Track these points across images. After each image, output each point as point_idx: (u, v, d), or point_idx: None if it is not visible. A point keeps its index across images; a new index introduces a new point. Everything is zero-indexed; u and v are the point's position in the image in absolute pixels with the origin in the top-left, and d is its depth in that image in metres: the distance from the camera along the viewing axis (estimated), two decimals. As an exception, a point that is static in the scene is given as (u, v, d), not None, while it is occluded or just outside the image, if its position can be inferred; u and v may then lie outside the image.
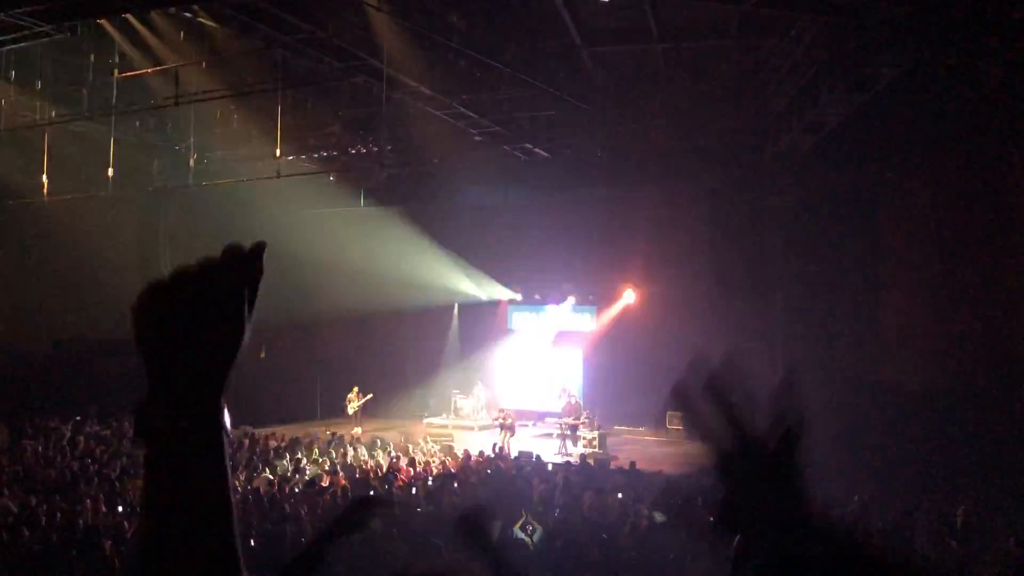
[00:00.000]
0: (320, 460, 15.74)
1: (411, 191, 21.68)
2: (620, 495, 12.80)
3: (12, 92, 17.10)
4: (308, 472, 14.43)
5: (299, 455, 16.03)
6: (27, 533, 9.56)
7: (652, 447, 19.60)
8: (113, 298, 22.29)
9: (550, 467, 15.50)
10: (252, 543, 9.13)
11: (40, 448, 15.75)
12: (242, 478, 13.56)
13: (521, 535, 10.28)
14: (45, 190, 17.48)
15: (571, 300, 23.30)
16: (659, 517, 10.37)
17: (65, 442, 16.43)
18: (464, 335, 23.68)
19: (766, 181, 18.65)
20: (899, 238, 18.88)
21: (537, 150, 19.05)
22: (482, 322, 23.75)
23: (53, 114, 17.29)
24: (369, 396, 22.18)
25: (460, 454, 16.25)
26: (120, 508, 11.20)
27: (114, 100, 15.83)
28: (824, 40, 13.61)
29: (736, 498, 1.00)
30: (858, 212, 18.66)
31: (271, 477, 13.74)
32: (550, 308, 23.76)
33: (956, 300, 17.62)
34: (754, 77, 16.21)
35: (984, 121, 15.85)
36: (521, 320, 24.33)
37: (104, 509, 10.97)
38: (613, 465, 16.76)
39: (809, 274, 19.03)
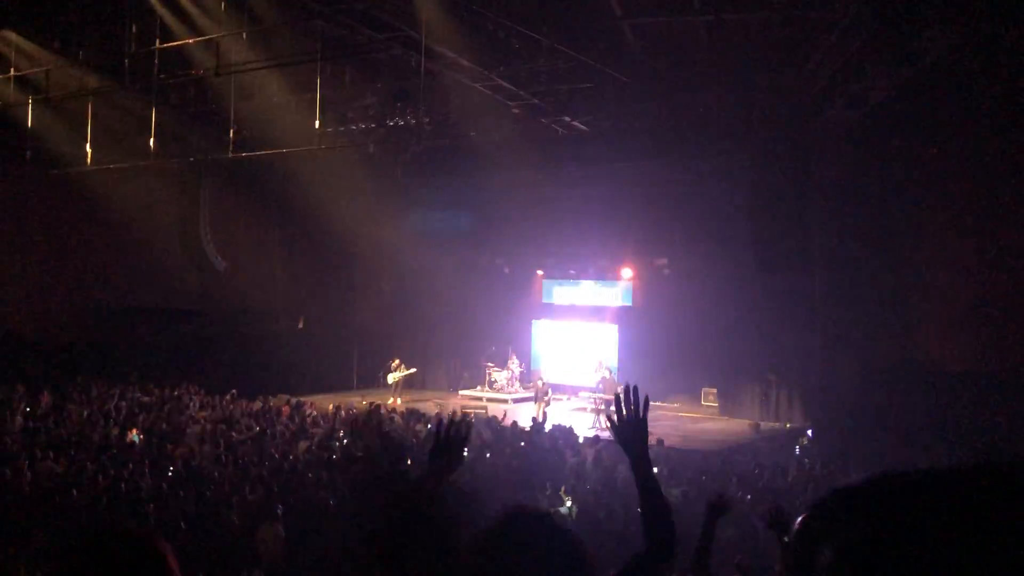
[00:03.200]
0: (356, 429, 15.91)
1: (449, 164, 21.67)
2: (656, 470, 12.76)
3: (54, 62, 17.32)
4: (343, 440, 14.60)
5: (335, 424, 16.23)
6: (75, 494, 9.80)
7: (687, 423, 19.58)
8: (154, 267, 22.73)
9: (582, 440, 15.55)
10: (291, 507, 9.28)
11: (84, 413, 16.10)
12: (280, 444, 13.78)
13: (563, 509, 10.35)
14: (89, 159, 17.73)
15: (608, 274, 23.22)
16: (674, 492, 10.36)
17: (111, 407, 16.77)
18: (499, 308, 23.71)
19: (808, 156, 18.36)
20: (943, 216, 18.52)
21: (576, 123, 18.90)
22: (518, 295, 23.76)
23: (95, 84, 17.49)
24: (413, 370, 22.36)
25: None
26: (167, 473, 11.44)
27: (156, 70, 15.96)
28: (870, 13, 13.30)
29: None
30: (902, 189, 18.33)
31: (309, 445, 13.93)
32: (586, 282, 23.70)
33: (1000, 280, 17.29)
34: (798, 50, 15.90)
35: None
36: (557, 294, 24.30)
37: (147, 473, 11.21)
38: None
39: (850, 250, 18.76)
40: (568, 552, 1.64)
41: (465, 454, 2.73)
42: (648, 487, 2.49)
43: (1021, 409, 15.33)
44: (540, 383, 20.42)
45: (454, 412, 16.81)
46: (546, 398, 19.71)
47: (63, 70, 17.40)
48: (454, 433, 2.59)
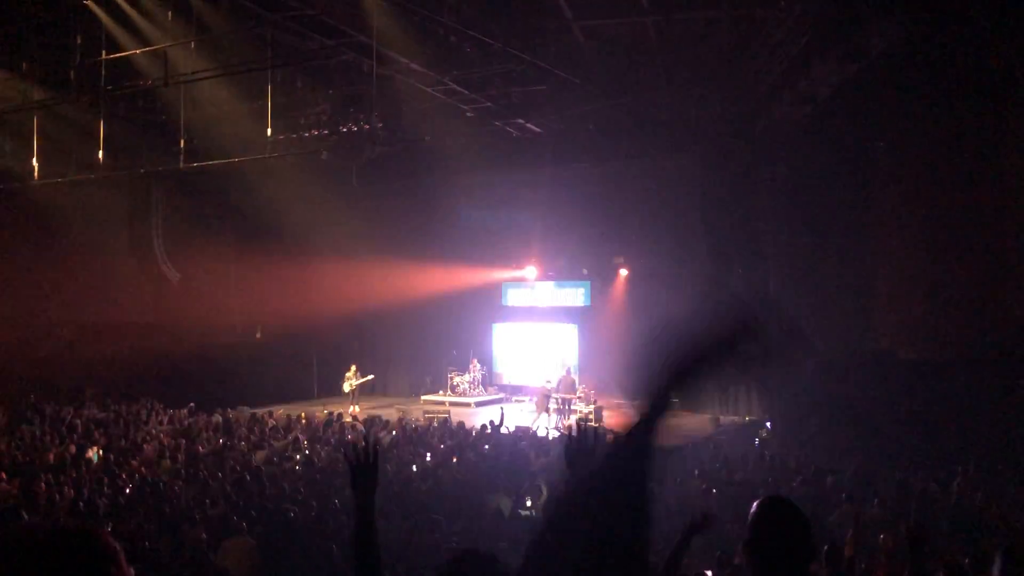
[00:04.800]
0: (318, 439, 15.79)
1: (403, 169, 21.62)
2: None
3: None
4: (303, 450, 14.48)
5: (296, 434, 16.08)
6: (25, 516, 9.60)
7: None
8: (107, 281, 22.37)
9: (550, 438, 15.64)
10: (254, 519, 9.19)
11: (38, 432, 15.78)
12: (240, 456, 13.62)
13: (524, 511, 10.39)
14: (36, 174, 17.39)
15: (564, 276, 23.34)
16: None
17: (64, 426, 16.45)
18: (458, 312, 23.70)
19: (758, 152, 18.64)
20: (892, 208, 18.92)
21: (529, 125, 18.99)
22: (476, 299, 23.77)
23: (41, 96, 17.18)
24: (370, 377, 22.23)
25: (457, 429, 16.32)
26: (125, 490, 11.26)
27: (103, 82, 15.71)
28: (815, 9, 13.55)
29: None
30: (851, 182, 18.68)
31: (270, 456, 13.80)
32: (544, 284, 23.79)
33: (949, 269, 17.70)
34: (745, 48, 16.15)
35: (976, 90, 15.84)
36: (515, 296, 24.35)
37: (107, 491, 11.03)
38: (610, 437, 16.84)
39: (802, 245, 19.07)
40: None
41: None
42: (570, 505, 2.72)
43: (972, 395, 15.69)
44: (547, 385, 20.14)
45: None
46: (549, 404, 19.53)
47: (7, 83, 17.07)
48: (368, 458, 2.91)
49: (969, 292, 17.45)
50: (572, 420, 19.03)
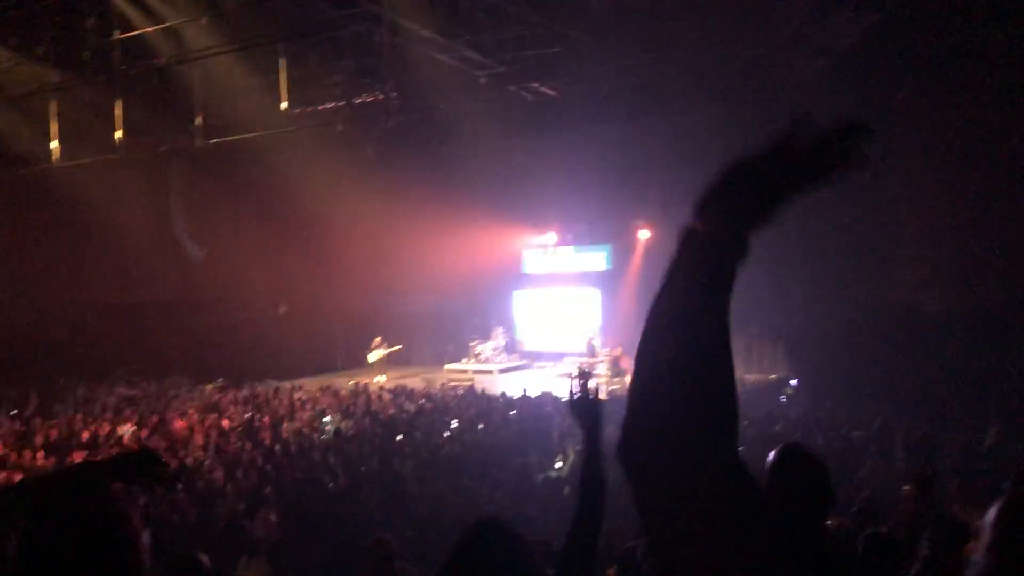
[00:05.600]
0: (346, 409, 15.95)
1: (419, 138, 21.54)
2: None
3: (12, 59, 17.03)
4: (333, 422, 14.64)
5: (323, 406, 16.25)
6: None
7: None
8: (131, 262, 22.56)
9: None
10: (286, 489, 9.33)
11: (71, 411, 16.05)
12: (269, 429, 13.79)
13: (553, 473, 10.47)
14: (54, 156, 17.49)
15: (584, 240, 23.27)
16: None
17: (95, 405, 16.71)
18: (479, 281, 23.72)
19: (778, 108, 18.38)
20: (915, 158, 18.64)
21: (544, 89, 18.82)
22: (497, 267, 23.77)
23: (56, 79, 17.22)
24: (397, 347, 22.36)
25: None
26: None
27: (117, 62, 15.72)
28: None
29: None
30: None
31: (300, 428, 13.97)
32: (564, 249, 23.73)
33: (975, 220, 17.46)
34: (762, 1, 15.89)
35: (999, 36, 15.51)
36: (535, 263, 24.32)
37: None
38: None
39: (824, 197, 18.85)
40: (522, 562, 1.96)
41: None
42: (589, 461, 2.68)
43: (998, 347, 15.56)
44: (618, 352, 19.66)
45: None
46: (618, 368, 19.08)
47: (22, 67, 17.11)
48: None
49: (996, 242, 17.22)
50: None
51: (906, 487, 6.08)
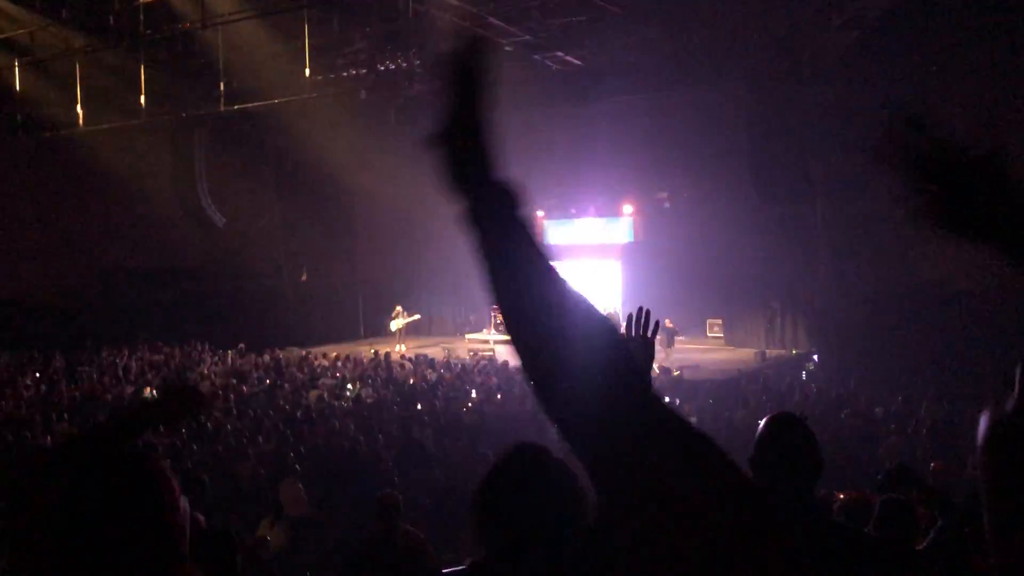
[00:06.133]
0: (366, 378, 16.04)
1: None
2: (666, 399, 12.97)
3: (38, 23, 17.08)
4: (353, 389, 14.72)
5: (345, 373, 16.35)
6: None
7: (694, 354, 19.69)
8: (153, 227, 22.68)
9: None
10: (306, 455, 9.40)
11: (96, 375, 16.23)
12: (291, 395, 13.90)
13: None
14: (81, 120, 17.57)
15: (608, 211, 23.14)
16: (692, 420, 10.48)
17: (120, 369, 16.89)
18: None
19: (805, 80, 18.13)
20: (944, 133, 18.32)
21: (569, 58, 18.65)
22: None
23: (81, 43, 17.26)
24: (416, 316, 22.41)
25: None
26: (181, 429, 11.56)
27: (141, 26, 15.72)
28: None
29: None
30: (901, 108, 18.11)
31: (321, 394, 14.06)
32: (587, 220, 23.63)
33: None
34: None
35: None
36: (559, 233, 24.25)
37: (163, 430, 11.33)
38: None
39: (850, 173, 18.63)
40: (564, 483, 1.79)
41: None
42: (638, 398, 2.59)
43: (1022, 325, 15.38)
44: (669, 323, 19.05)
45: None
46: (674, 338, 18.69)
47: (48, 31, 17.16)
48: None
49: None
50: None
51: (932, 464, 6.05)
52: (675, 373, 16.96)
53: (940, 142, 1.03)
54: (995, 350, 15.12)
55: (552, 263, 1.08)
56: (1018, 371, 0.73)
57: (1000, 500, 0.70)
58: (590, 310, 1.05)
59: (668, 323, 18.76)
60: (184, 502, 1.63)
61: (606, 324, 1.01)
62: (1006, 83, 17.04)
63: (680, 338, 19.79)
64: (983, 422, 0.74)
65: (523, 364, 1.03)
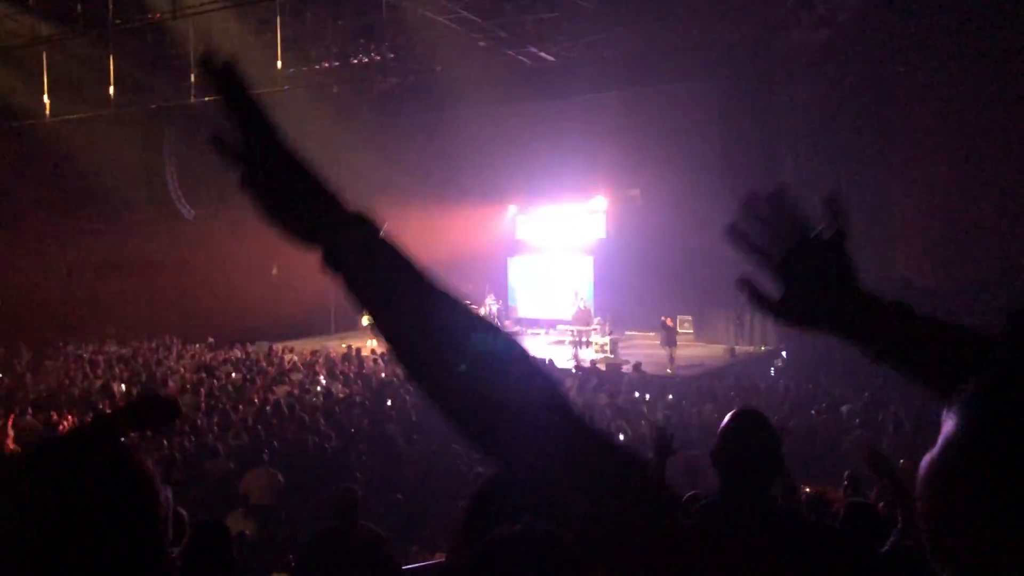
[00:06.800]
0: (336, 372, 15.98)
1: (415, 100, 21.38)
2: (637, 394, 13.14)
3: (4, 11, 16.79)
4: (323, 384, 14.67)
5: (315, 368, 16.28)
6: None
7: (664, 351, 19.78)
8: (123, 220, 22.40)
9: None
10: (276, 450, 9.36)
11: (63, 369, 16.04)
12: (261, 390, 13.82)
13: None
14: (48, 110, 17.32)
15: (579, 207, 23.20)
16: (662, 421, 10.58)
17: (87, 362, 16.71)
18: (473, 245, 23.67)
19: (777, 78, 18.30)
20: (912, 133, 18.60)
21: (542, 54, 18.67)
22: (490, 232, 23.72)
23: (49, 32, 16.99)
24: None
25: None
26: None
27: (110, 15, 15.51)
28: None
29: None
30: (871, 107, 18.35)
31: (291, 390, 13.99)
32: (559, 215, 23.68)
33: (969, 197, 17.47)
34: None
35: (1003, 10, 15.42)
36: (529, 228, 24.29)
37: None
38: (624, 368, 16.97)
39: (821, 171, 18.83)
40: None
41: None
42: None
43: (990, 322, 15.62)
44: (669, 321, 18.89)
45: None
46: (675, 337, 18.47)
47: (13, 18, 16.87)
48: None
49: (990, 220, 17.25)
50: (591, 353, 19.07)
51: (902, 460, 6.14)
52: (668, 371, 17.12)
53: (790, 223, 1.06)
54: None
55: (432, 281, 0.98)
56: (954, 406, 0.72)
57: (941, 534, 0.71)
58: (487, 325, 0.96)
59: (668, 321, 18.81)
60: (166, 493, 1.64)
61: (509, 339, 0.96)
62: (972, 80, 17.28)
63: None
64: (924, 460, 0.75)
65: (429, 395, 0.94)
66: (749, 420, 2.50)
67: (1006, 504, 0.66)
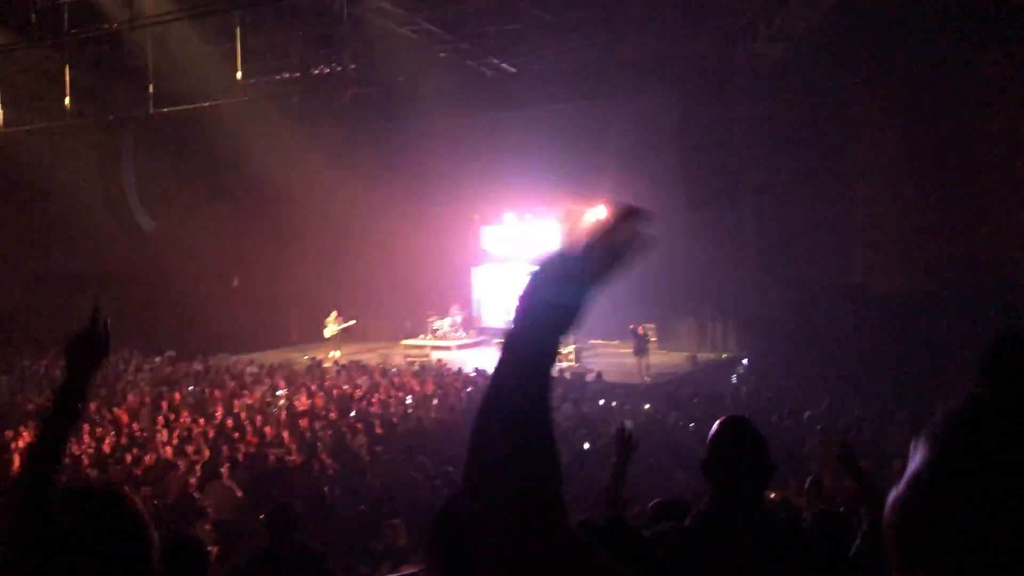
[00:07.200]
0: (298, 384, 15.84)
1: (377, 111, 21.31)
2: (602, 402, 13.22)
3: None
4: (287, 397, 14.53)
5: (277, 380, 16.13)
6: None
7: (627, 358, 19.90)
8: (80, 231, 22.06)
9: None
10: (240, 464, 9.26)
11: (16, 383, 15.73)
12: (222, 403, 13.66)
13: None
14: (1, 121, 17.02)
15: (543, 217, 23.27)
16: (628, 424, 10.63)
17: (40, 377, 16.40)
18: (437, 256, 23.64)
19: (736, 92, 18.54)
20: (868, 145, 18.96)
21: (504, 65, 18.74)
22: (455, 243, 23.71)
23: (2, 41, 16.70)
24: (352, 322, 22.17)
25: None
26: (99, 438, 11.28)
27: (66, 25, 15.28)
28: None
29: None
30: (829, 120, 18.66)
31: (252, 403, 13.84)
32: (522, 226, 23.73)
33: (924, 205, 17.83)
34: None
35: (954, 26, 15.78)
36: (494, 239, 24.30)
37: (86, 439, 11.04)
38: (588, 377, 17.02)
39: (780, 182, 19.12)
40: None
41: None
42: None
43: (945, 328, 15.94)
44: (640, 330, 18.65)
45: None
46: (647, 346, 18.38)
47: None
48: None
49: (943, 227, 17.62)
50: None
51: (862, 462, 6.24)
52: (646, 379, 17.24)
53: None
54: (914, 351, 15.67)
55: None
56: (921, 440, 0.73)
57: (909, 567, 0.72)
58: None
59: (639, 330, 18.83)
60: (154, 533, 1.68)
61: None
62: (926, 93, 17.65)
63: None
64: (891, 494, 0.76)
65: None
66: (739, 427, 2.49)
67: (971, 539, 0.67)
